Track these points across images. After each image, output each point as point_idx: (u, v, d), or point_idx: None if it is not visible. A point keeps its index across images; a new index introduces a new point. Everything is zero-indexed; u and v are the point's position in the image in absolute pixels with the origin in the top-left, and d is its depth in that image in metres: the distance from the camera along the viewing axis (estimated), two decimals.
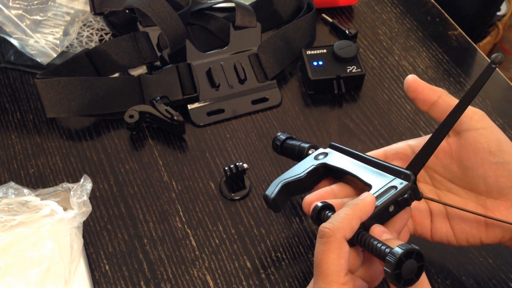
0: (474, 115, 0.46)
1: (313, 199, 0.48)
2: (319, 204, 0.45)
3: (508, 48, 1.49)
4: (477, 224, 0.47)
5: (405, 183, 0.45)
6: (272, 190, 0.51)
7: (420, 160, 0.46)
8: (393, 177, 0.46)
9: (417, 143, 0.50)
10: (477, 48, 0.75)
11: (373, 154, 0.52)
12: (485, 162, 0.45)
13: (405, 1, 0.78)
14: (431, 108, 0.49)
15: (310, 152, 0.54)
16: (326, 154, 0.53)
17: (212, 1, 0.74)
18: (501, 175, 0.45)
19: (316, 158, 0.53)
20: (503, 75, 0.72)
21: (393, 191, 0.45)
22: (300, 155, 0.55)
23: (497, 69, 0.71)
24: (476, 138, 0.45)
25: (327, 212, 0.45)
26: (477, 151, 0.45)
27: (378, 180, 0.47)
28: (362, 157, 0.50)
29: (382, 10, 0.78)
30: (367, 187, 0.47)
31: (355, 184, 0.50)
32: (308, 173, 0.51)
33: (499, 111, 0.67)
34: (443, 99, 0.48)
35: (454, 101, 0.47)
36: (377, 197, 0.44)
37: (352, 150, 0.51)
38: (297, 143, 0.56)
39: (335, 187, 0.50)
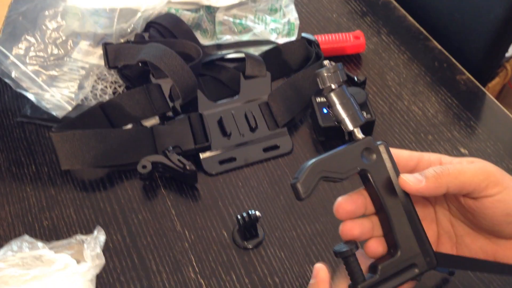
0: (482, 183, 0.44)
1: (347, 206, 0.46)
2: (349, 253, 0.44)
3: None
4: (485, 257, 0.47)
5: (425, 267, 0.44)
6: (309, 184, 0.42)
7: (447, 257, 0.46)
8: (419, 253, 0.45)
9: (450, 161, 0.47)
10: (485, 92, 0.75)
11: (409, 154, 0.47)
12: (502, 223, 0.45)
13: (412, 47, 0.80)
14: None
15: (355, 133, 0.45)
16: (373, 155, 0.45)
17: (223, 52, 0.76)
18: None
19: (363, 154, 0.45)
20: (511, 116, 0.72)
21: (412, 272, 0.44)
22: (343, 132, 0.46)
23: (505, 110, 0.72)
24: (493, 204, 0.44)
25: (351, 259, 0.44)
26: (494, 215, 0.44)
27: (407, 247, 0.44)
28: (403, 196, 0.45)
29: (389, 57, 0.79)
30: (393, 248, 0.45)
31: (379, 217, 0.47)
32: (349, 176, 0.44)
33: None
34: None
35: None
36: (397, 273, 0.44)
37: (397, 175, 0.45)
38: (345, 111, 0.44)
39: (367, 197, 0.47)
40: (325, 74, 0.44)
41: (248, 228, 0.59)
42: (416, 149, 0.68)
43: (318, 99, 0.68)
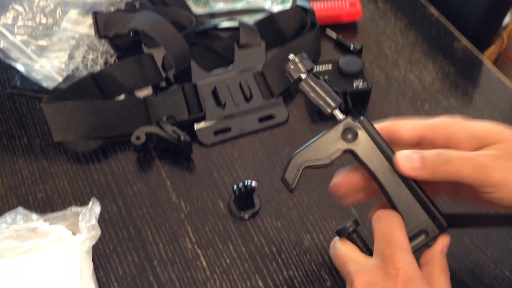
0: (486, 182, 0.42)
1: (341, 186, 0.47)
2: (351, 229, 0.44)
3: None
4: None
5: (436, 232, 0.44)
6: (293, 177, 0.45)
7: (458, 217, 0.45)
8: (427, 218, 0.44)
9: (459, 130, 0.44)
10: (482, 59, 0.74)
11: (412, 127, 0.45)
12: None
13: (409, 15, 0.79)
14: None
15: (335, 115, 0.45)
16: (355, 135, 0.45)
17: (216, 21, 0.74)
18: None
19: (343, 136, 0.45)
20: (509, 85, 0.71)
21: (422, 239, 0.44)
22: (320, 112, 0.46)
23: (502, 78, 0.71)
24: (494, 200, 0.43)
25: (354, 236, 0.45)
26: (497, 207, 0.44)
27: (412, 215, 0.44)
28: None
29: (386, 25, 0.78)
30: None
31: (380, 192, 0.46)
32: (333, 160, 0.45)
33: (509, 122, 0.66)
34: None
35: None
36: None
37: (387, 150, 0.44)
38: (319, 97, 0.45)
39: (358, 175, 0.47)
40: (291, 67, 0.45)
41: (244, 199, 0.59)
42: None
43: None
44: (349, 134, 0.45)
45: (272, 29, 0.74)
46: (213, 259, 0.56)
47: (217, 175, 0.62)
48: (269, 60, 0.68)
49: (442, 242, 0.45)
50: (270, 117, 0.67)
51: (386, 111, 0.68)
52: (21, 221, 0.54)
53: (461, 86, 0.71)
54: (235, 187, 0.57)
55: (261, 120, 0.66)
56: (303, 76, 0.45)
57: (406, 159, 0.43)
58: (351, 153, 0.45)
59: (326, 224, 0.58)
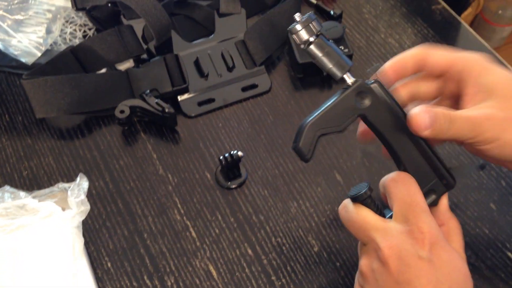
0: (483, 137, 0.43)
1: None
2: (366, 195, 0.44)
3: (489, 18, 1.50)
4: None
5: (443, 190, 0.46)
6: (308, 146, 0.43)
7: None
8: (435, 177, 0.46)
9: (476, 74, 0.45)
10: (460, 21, 0.75)
11: (443, 56, 0.47)
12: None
13: None
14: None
15: (346, 79, 0.44)
16: (368, 99, 0.44)
17: None
18: None
19: (356, 100, 0.44)
20: (487, 46, 0.72)
21: (432, 198, 0.46)
22: (329, 78, 0.46)
23: (481, 39, 0.72)
24: (492, 153, 0.44)
25: (369, 201, 0.44)
26: (495, 160, 0.46)
27: (421, 175, 0.45)
28: (410, 131, 0.44)
29: None
30: None
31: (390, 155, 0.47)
32: (348, 125, 0.44)
33: None
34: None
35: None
36: None
37: (400, 113, 0.44)
38: (329, 60, 0.43)
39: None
40: (300, 29, 0.42)
41: (231, 168, 0.60)
42: None
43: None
44: (362, 98, 0.44)
45: None
46: (202, 229, 0.57)
47: (202, 146, 0.63)
48: (250, 29, 0.68)
49: (446, 200, 0.47)
50: (253, 86, 0.67)
51: (367, 76, 0.68)
52: (9, 199, 0.54)
53: None
54: (221, 157, 0.58)
55: (244, 89, 0.67)
56: (312, 38, 0.42)
57: (419, 116, 0.43)
58: (364, 117, 0.44)
59: (312, 191, 0.59)
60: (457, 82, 0.46)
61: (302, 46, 0.43)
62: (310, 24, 0.42)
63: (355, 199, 0.44)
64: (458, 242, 0.45)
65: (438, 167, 0.46)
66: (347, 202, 0.45)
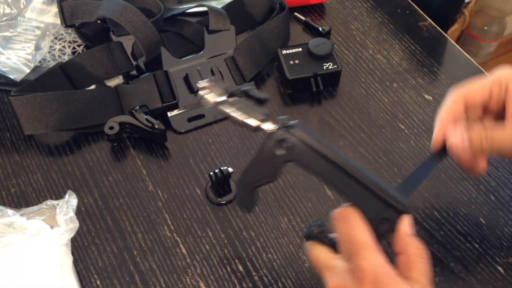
0: None
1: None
2: (316, 231, 0.45)
3: (475, 34, 1.52)
4: None
5: (395, 216, 0.43)
6: (248, 200, 0.47)
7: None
8: (383, 206, 0.43)
9: None
10: (447, 37, 0.76)
11: (481, 87, 0.51)
12: None
13: None
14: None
15: (263, 129, 0.45)
16: (290, 144, 0.44)
17: (184, 6, 0.74)
18: None
19: (279, 148, 0.44)
20: (474, 62, 0.73)
21: (385, 226, 0.43)
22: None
23: (467, 55, 0.73)
24: None
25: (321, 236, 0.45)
26: None
27: (368, 207, 0.43)
28: (340, 166, 0.43)
29: (353, 6, 0.78)
30: None
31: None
32: (279, 173, 0.45)
33: None
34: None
35: None
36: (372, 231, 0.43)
37: (324, 151, 0.44)
38: (240, 116, 0.45)
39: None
40: (204, 95, 0.45)
41: (221, 184, 0.59)
42: (382, 97, 0.68)
43: (284, 52, 0.68)
44: (284, 144, 0.44)
45: (241, 13, 0.73)
46: (192, 246, 0.57)
47: (192, 162, 0.62)
48: (239, 45, 0.68)
49: (404, 225, 0.43)
50: None
51: (356, 91, 0.69)
52: None
53: (427, 65, 0.72)
54: (211, 173, 0.58)
55: None
56: (219, 99, 0.45)
57: (458, 142, 0.47)
58: (293, 162, 0.44)
59: (302, 206, 0.59)
60: (498, 99, 0.50)
61: (211, 108, 0.45)
62: (214, 88, 0.45)
63: (307, 237, 0.46)
64: (419, 271, 0.42)
65: (380, 196, 0.43)
66: (307, 242, 0.46)
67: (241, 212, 0.58)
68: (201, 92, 0.45)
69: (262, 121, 0.45)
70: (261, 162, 0.44)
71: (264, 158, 0.44)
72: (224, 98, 0.45)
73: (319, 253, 0.45)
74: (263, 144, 0.44)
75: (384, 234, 0.44)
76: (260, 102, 0.45)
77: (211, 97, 0.45)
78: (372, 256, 0.41)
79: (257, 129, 0.45)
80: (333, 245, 0.45)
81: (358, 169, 0.44)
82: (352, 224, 0.43)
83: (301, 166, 0.44)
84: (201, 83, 0.44)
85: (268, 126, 0.45)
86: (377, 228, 0.43)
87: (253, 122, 0.44)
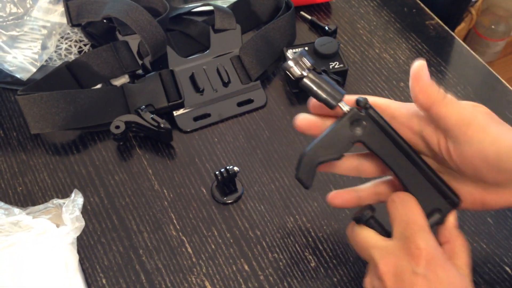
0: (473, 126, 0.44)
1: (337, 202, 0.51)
2: (368, 215, 0.46)
3: (482, 32, 1.51)
4: (473, 205, 0.48)
5: (449, 208, 0.47)
6: (307, 174, 0.46)
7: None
8: (439, 196, 0.46)
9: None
10: (454, 36, 0.75)
11: (381, 102, 0.48)
12: (483, 170, 0.44)
13: None
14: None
15: (341, 107, 0.46)
16: (363, 125, 0.46)
17: (190, 5, 0.74)
18: (500, 177, 0.44)
19: (351, 128, 0.46)
20: (481, 61, 0.73)
21: (437, 217, 0.46)
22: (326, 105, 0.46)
23: (475, 54, 0.73)
24: (472, 151, 0.44)
25: (372, 221, 0.46)
26: (474, 162, 0.44)
27: (425, 196, 0.46)
28: (406, 152, 0.46)
29: (359, 4, 0.78)
30: None
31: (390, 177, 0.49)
32: (345, 152, 0.46)
33: (481, 97, 0.68)
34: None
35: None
36: None
37: (395, 136, 0.46)
38: (323, 91, 0.46)
39: (364, 164, 0.50)
40: (292, 65, 0.46)
41: (227, 184, 0.59)
42: (389, 96, 0.68)
43: (290, 51, 0.68)
44: (357, 125, 0.46)
45: (246, 12, 0.73)
46: (198, 245, 0.56)
47: (198, 161, 0.62)
48: (245, 44, 0.68)
49: (453, 218, 0.47)
50: (249, 101, 0.67)
51: (362, 91, 0.69)
52: (3, 215, 0.53)
53: (434, 64, 0.72)
54: (217, 172, 0.58)
55: (240, 104, 0.67)
56: (305, 73, 0.46)
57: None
58: (362, 143, 0.46)
59: (308, 206, 0.59)
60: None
61: (295, 80, 0.46)
62: (301, 61, 0.46)
63: (358, 221, 0.47)
64: (462, 260, 0.45)
65: (440, 186, 0.46)
66: (352, 224, 0.47)
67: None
68: (290, 63, 0.45)
69: (340, 100, 0.46)
70: (332, 138, 0.46)
71: (335, 135, 0.46)
72: (307, 72, 0.46)
73: (369, 234, 0.46)
74: (337, 121, 0.46)
75: (432, 224, 0.46)
76: (338, 82, 0.47)
77: (297, 69, 0.46)
78: (429, 238, 0.43)
79: (335, 106, 0.46)
80: (384, 231, 0.46)
81: (422, 159, 0.46)
82: (411, 206, 0.45)
83: (370, 147, 0.46)
84: (290, 53, 0.46)
85: (346, 106, 0.46)
86: (428, 218, 0.45)
87: (332, 101, 0.46)
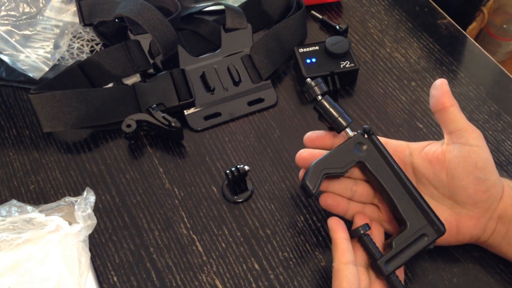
0: (473, 133, 0.51)
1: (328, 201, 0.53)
2: (361, 231, 0.50)
3: (494, 32, 1.50)
4: (449, 230, 0.52)
5: (435, 235, 0.49)
6: (314, 182, 0.50)
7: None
8: (427, 223, 0.50)
9: (418, 146, 0.54)
10: (466, 35, 0.75)
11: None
12: (469, 175, 0.50)
13: None
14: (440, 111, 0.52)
15: (346, 132, 0.53)
16: (365, 149, 0.52)
17: (201, 4, 0.74)
18: (480, 189, 0.50)
19: (356, 150, 0.51)
20: (493, 60, 0.72)
21: (424, 241, 0.49)
22: (336, 127, 0.53)
23: (487, 54, 0.72)
24: (468, 153, 0.50)
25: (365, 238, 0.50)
26: (466, 164, 0.50)
27: (414, 220, 0.50)
28: (400, 177, 0.51)
29: (370, 4, 0.78)
30: (402, 224, 0.50)
31: (383, 199, 0.52)
32: (348, 169, 0.51)
33: (493, 97, 0.68)
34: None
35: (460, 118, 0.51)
36: (410, 244, 0.49)
37: (391, 161, 0.51)
38: (335, 112, 0.52)
39: (358, 188, 0.54)
40: (314, 85, 0.53)
41: (237, 183, 0.59)
42: (400, 96, 0.68)
43: (301, 50, 0.68)
44: (360, 147, 0.52)
45: (257, 11, 0.73)
46: (208, 243, 0.57)
47: (209, 160, 0.63)
48: (256, 43, 0.68)
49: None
50: (260, 100, 0.67)
51: (373, 90, 0.69)
52: (16, 213, 0.54)
53: (446, 63, 0.71)
54: (227, 171, 0.58)
55: (250, 103, 0.67)
56: (319, 97, 0.53)
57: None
58: (362, 165, 0.51)
59: (318, 205, 0.59)
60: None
61: (310, 101, 0.53)
62: (316, 86, 0.53)
63: (353, 235, 0.50)
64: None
65: (428, 213, 0.50)
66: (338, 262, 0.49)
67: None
68: (311, 82, 0.53)
69: (348, 124, 0.52)
70: (339, 155, 0.51)
71: (342, 153, 0.51)
72: (321, 96, 0.53)
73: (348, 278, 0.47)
74: (345, 141, 0.52)
75: (419, 248, 0.49)
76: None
77: (317, 89, 0.53)
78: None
79: (343, 129, 0.52)
80: (377, 251, 0.49)
81: (413, 186, 0.51)
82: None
83: (368, 169, 0.51)
84: (309, 80, 0.53)
85: (350, 131, 0.52)
86: (414, 242, 0.49)
87: (343, 122, 0.52)
